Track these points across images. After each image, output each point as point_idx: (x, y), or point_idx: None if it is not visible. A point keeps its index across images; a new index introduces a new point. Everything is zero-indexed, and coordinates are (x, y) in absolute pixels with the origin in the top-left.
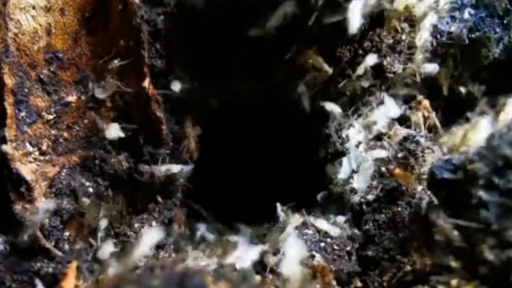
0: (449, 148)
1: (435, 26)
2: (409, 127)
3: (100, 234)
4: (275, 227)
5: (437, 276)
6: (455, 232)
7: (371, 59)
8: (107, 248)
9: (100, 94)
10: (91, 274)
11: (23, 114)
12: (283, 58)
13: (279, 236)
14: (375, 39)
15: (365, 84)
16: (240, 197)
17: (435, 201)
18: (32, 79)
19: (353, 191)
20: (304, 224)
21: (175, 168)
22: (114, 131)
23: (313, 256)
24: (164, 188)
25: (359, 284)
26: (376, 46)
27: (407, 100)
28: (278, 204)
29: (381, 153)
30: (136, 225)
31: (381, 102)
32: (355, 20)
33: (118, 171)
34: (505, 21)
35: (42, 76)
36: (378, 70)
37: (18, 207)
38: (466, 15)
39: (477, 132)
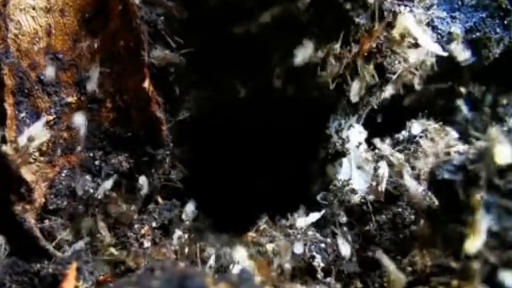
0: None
1: (435, 27)
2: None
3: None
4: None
5: (437, 277)
6: None
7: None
8: None
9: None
10: (91, 275)
11: (23, 115)
12: (283, 58)
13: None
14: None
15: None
16: (239, 198)
17: (436, 202)
18: (32, 80)
19: (353, 191)
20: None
21: None
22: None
23: (313, 257)
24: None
25: (359, 285)
26: (376, 46)
27: None
28: None
29: None
30: (136, 226)
31: None
32: None
33: (118, 172)
34: (505, 22)
35: (42, 77)
36: (378, 71)
37: (18, 207)
38: (466, 15)
39: None
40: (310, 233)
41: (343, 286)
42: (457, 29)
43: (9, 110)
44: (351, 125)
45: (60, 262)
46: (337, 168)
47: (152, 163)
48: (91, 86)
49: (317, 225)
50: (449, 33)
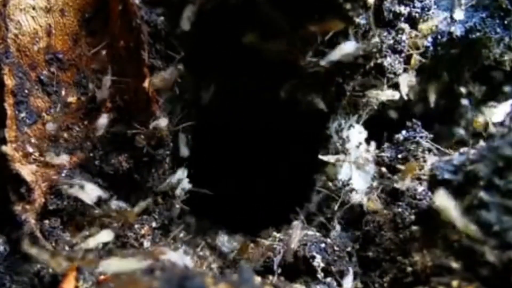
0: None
1: (435, 27)
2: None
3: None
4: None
5: (438, 277)
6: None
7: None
8: None
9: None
10: (91, 275)
11: (23, 115)
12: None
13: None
14: (376, 39)
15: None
16: (239, 198)
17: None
18: (32, 80)
19: (354, 191)
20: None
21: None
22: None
23: (313, 257)
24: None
25: (359, 285)
26: (376, 46)
27: None
28: None
29: None
30: (136, 226)
31: None
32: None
33: (118, 172)
34: (505, 22)
35: (42, 77)
36: (378, 71)
37: (18, 208)
38: (466, 15)
39: None
40: (310, 233)
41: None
42: (457, 29)
43: (9, 110)
44: (351, 125)
45: None
46: (337, 168)
47: (152, 163)
48: (103, 94)
49: (317, 225)
50: (449, 33)
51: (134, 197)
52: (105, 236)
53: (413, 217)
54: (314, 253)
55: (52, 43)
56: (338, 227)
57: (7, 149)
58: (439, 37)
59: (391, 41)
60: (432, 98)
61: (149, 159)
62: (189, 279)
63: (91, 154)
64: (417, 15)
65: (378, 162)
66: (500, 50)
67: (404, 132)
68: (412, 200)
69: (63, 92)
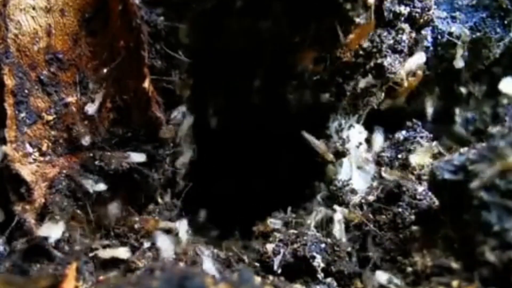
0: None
1: (435, 27)
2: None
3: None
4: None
5: (438, 277)
6: None
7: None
8: None
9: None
10: (91, 275)
11: (23, 115)
12: (283, 59)
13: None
14: (376, 39)
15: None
16: (239, 199)
17: (436, 202)
18: (32, 80)
19: (354, 191)
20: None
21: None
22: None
23: (313, 257)
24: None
25: (359, 285)
26: (376, 46)
27: None
28: None
29: None
30: (136, 226)
31: None
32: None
33: (118, 172)
34: (505, 22)
35: (42, 77)
36: (378, 71)
37: (18, 207)
38: (466, 15)
39: None
40: (310, 233)
41: (343, 286)
42: (457, 29)
43: (9, 110)
44: (351, 125)
45: (60, 262)
46: (337, 168)
47: (152, 163)
48: (92, 109)
49: (317, 225)
50: (449, 33)
51: (134, 197)
52: (123, 253)
53: (413, 217)
54: (314, 253)
55: (52, 43)
56: (338, 227)
57: (7, 149)
58: (439, 37)
59: (391, 41)
60: (430, 110)
61: (149, 159)
62: (189, 279)
63: (91, 154)
64: (417, 15)
65: (378, 162)
66: (500, 50)
67: (404, 132)
68: (412, 200)
69: (63, 92)
